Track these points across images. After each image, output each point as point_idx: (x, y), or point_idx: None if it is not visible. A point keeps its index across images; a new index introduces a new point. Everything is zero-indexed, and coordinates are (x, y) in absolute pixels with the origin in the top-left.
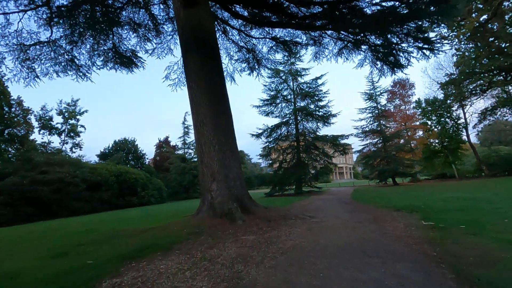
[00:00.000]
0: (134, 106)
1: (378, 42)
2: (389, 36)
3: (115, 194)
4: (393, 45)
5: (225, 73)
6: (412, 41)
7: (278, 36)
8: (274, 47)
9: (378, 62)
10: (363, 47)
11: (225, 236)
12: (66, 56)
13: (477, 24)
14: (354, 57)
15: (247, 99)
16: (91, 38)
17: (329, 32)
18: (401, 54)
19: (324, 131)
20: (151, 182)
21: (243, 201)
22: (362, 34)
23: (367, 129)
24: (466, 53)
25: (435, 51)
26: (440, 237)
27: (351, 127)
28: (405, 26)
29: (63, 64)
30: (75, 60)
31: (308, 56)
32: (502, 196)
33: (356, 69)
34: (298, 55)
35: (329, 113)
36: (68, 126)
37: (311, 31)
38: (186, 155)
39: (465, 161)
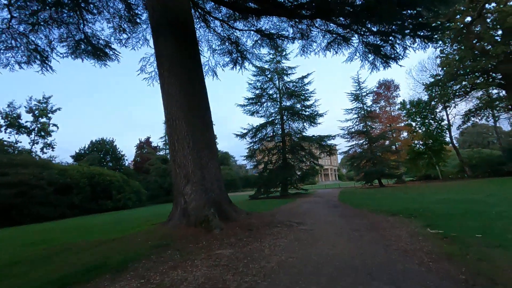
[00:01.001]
0: (115, 105)
1: (372, 31)
2: (383, 24)
3: (87, 198)
4: (388, 35)
5: (206, 68)
6: (410, 29)
7: (263, 28)
8: (259, 41)
9: (369, 55)
10: (354, 39)
11: (196, 250)
12: (30, 46)
13: (462, 26)
14: (344, 50)
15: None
16: (58, 26)
17: (318, 23)
18: (397, 44)
19: (311, 131)
20: (128, 185)
21: (222, 206)
22: (353, 25)
23: (353, 130)
24: (450, 56)
25: (434, 39)
26: (460, 251)
27: (337, 127)
28: (402, 13)
29: (26, 54)
30: (39, 49)
31: (295, 51)
32: (497, 197)
33: (346, 63)
34: (284, 53)
35: (316, 112)
36: (39, 125)
37: (299, 20)
38: (168, 156)
39: (448, 162)
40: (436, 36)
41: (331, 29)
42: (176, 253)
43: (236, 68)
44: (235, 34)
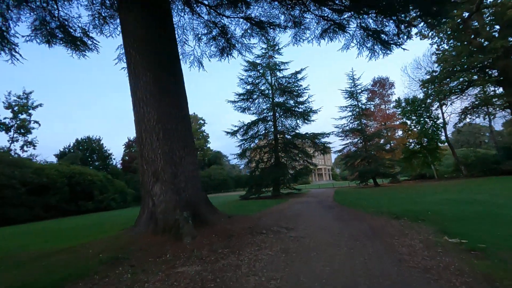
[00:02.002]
0: (107, 103)
1: (371, 15)
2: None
3: (65, 199)
4: (392, 12)
5: (191, 58)
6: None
7: (252, 15)
8: (248, 31)
9: (368, 39)
10: (351, 24)
11: (155, 266)
12: None
13: (459, 21)
14: (340, 37)
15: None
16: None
17: (311, 8)
18: (401, 24)
19: (304, 129)
20: (112, 185)
21: (198, 208)
22: (352, 8)
23: (347, 128)
24: (446, 53)
25: (443, 18)
26: (502, 272)
27: (332, 125)
28: None
29: None
30: (5, 34)
31: (287, 39)
32: (503, 197)
33: (341, 51)
34: (276, 48)
35: (309, 109)
36: (18, 122)
37: (291, 5)
38: None
39: (444, 161)
40: (444, 17)
41: (325, 15)
42: (128, 270)
43: (223, 58)
44: (223, 21)
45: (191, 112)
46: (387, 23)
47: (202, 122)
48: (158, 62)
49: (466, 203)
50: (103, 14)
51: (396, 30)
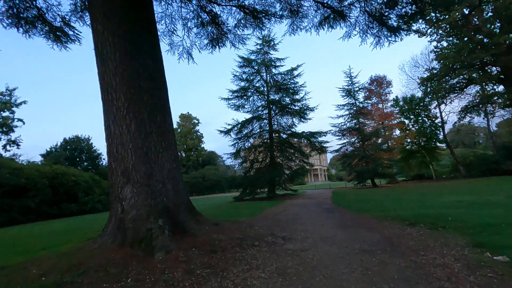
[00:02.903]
0: (94, 98)
1: None
2: None
3: (47, 201)
4: None
5: (180, 49)
6: None
7: (246, 4)
8: (242, 21)
9: (373, 25)
10: (353, 9)
11: None
12: None
13: (460, 16)
14: (341, 25)
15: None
16: None
17: None
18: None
19: (300, 128)
20: (99, 186)
21: (178, 215)
22: None
23: (345, 127)
24: (446, 50)
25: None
26: None
27: (328, 124)
28: None
29: None
30: None
31: (283, 28)
32: None
33: (342, 40)
34: (272, 43)
35: (306, 107)
36: (0, 119)
37: None
38: None
39: (441, 161)
40: None
41: (325, 1)
42: None
43: (215, 50)
44: (214, 10)
45: (184, 112)
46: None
47: (196, 121)
48: (132, 42)
49: (483, 206)
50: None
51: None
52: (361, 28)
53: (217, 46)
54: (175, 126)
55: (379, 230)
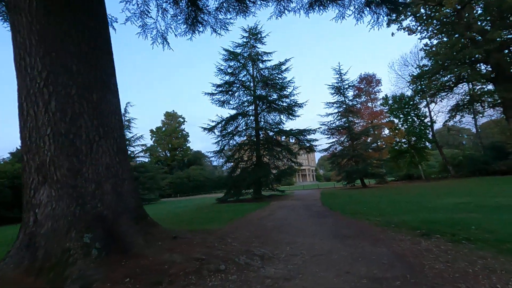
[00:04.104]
0: None
1: None
2: None
3: (6, 204)
4: None
5: (154, 32)
6: None
7: None
8: (224, 4)
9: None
10: None
11: None
12: None
13: (452, 12)
14: (335, 2)
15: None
16: None
17: None
18: None
19: (288, 125)
20: None
21: (117, 227)
22: None
23: (334, 125)
24: (438, 46)
25: None
26: None
27: (317, 122)
28: None
29: None
30: None
31: (270, 10)
32: None
33: (335, 21)
34: (259, 36)
35: (294, 102)
36: None
37: None
38: (128, 153)
39: (430, 161)
40: None
41: None
42: None
43: (194, 35)
44: None
45: (169, 110)
46: None
47: (182, 120)
48: None
49: (497, 210)
50: None
51: None
52: (356, 6)
53: (196, 31)
54: (159, 124)
55: (386, 243)
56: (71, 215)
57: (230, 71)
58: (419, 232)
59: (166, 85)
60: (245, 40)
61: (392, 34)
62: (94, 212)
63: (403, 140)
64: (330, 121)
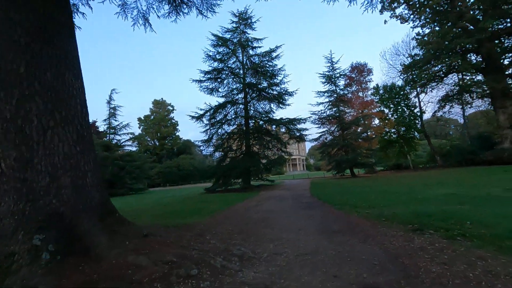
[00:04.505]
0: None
1: None
2: None
3: None
4: None
5: (135, 12)
6: None
7: None
8: None
9: None
10: None
11: None
12: None
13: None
14: None
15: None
16: None
17: None
18: None
19: (278, 114)
20: None
21: (77, 226)
22: None
23: (325, 114)
24: (426, 37)
25: None
26: None
27: (308, 111)
28: None
29: None
30: None
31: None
32: None
33: (327, 3)
34: (249, 22)
35: (284, 91)
36: None
37: None
38: (113, 141)
39: (418, 151)
40: None
41: None
42: None
43: (179, 17)
44: None
45: (158, 98)
46: None
47: (171, 108)
48: None
49: (489, 202)
50: None
51: None
52: None
53: (181, 13)
54: (147, 112)
55: (378, 240)
56: (19, 213)
57: (219, 57)
58: (412, 227)
59: (156, 73)
60: (234, 25)
61: (385, 21)
62: (48, 209)
63: (393, 130)
64: (321, 110)
